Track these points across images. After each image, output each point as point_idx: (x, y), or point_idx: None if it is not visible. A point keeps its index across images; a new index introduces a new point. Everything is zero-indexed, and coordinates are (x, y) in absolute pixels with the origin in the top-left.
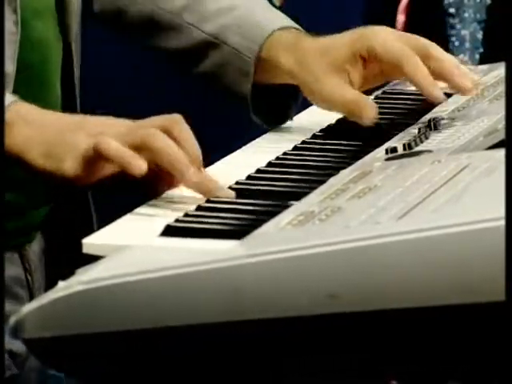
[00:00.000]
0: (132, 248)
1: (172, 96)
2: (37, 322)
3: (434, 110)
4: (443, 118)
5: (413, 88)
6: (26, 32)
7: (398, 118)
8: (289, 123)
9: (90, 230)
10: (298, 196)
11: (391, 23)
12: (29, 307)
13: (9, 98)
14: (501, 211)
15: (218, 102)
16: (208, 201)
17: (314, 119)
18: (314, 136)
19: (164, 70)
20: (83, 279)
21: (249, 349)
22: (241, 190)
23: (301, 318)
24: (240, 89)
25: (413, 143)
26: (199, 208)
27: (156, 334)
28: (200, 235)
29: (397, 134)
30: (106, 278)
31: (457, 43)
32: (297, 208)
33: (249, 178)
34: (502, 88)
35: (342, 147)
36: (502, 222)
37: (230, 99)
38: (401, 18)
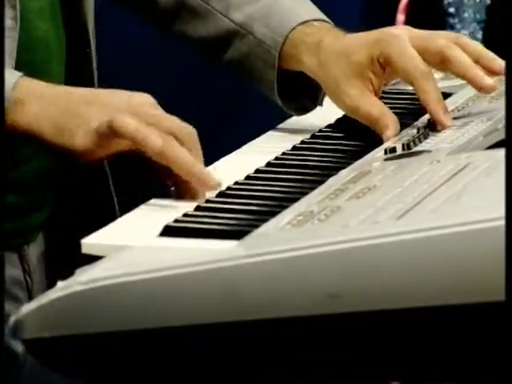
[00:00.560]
0: (131, 248)
1: (171, 96)
2: (36, 322)
3: None
4: None
5: (413, 88)
6: (29, 31)
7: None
8: (289, 123)
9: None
10: (297, 196)
11: (391, 23)
12: (28, 307)
13: (14, 73)
14: (501, 211)
15: (218, 102)
16: (207, 201)
17: (313, 119)
18: (314, 136)
19: (167, 68)
20: (82, 279)
21: (248, 349)
22: (240, 190)
23: (301, 318)
24: (265, 78)
25: (412, 143)
26: (198, 208)
27: (155, 335)
28: (199, 235)
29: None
30: (105, 278)
31: None
32: (296, 208)
33: (248, 178)
34: (501, 88)
35: (342, 147)
36: (502, 222)
37: (255, 88)
38: (401, 17)
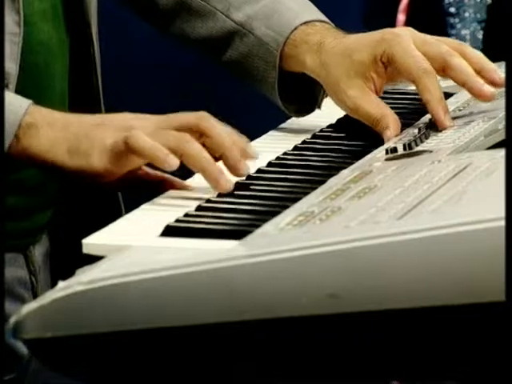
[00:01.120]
0: (132, 248)
1: (172, 97)
2: (37, 322)
3: None
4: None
5: (413, 88)
6: (32, 34)
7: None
8: (290, 123)
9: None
10: (298, 196)
11: (391, 23)
12: (29, 307)
13: (23, 99)
14: (501, 211)
15: (219, 103)
16: (208, 201)
17: (313, 119)
18: (314, 136)
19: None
20: (83, 279)
21: (248, 349)
22: (241, 190)
23: (301, 318)
24: (266, 79)
25: (413, 143)
26: (199, 208)
27: (155, 334)
28: (200, 235)
29: (397, 133)
30: (106, 278)
31: None
32: (297, 208)
33: (249, 177)
34: (502, 88)
35: (342, 147)
36: (502, 222)
37: (255, 89)
38: (401, 17)
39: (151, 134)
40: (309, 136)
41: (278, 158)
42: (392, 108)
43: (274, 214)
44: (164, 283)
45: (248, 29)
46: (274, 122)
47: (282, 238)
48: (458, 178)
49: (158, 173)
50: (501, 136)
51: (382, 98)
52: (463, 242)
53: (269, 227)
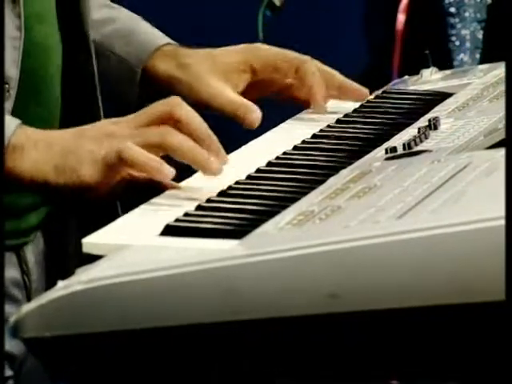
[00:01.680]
0: (132, 248)
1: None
2: (36, 322)
3: (434, 109)
4: (443, 118)
5: (413, 88)
6: (30, 36)
7: (398, 118)
8: (290, 123)
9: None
10: (298, 196)
11: (391, 23)
12: (28, 307)
13: (12, 120)
14: (500, 211)
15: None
16: (208, 200)
17: (313, 119)
18: (314, 136)
19: None
20: (83, 279)
21: (248, 349)
22: (241, 190)
23: (300, 318)
24: (126, 97)
25: (412, 143)
26: (199, 207)
27: (155, 334)
28: (200, 235)
29: (397, 133)
30: (106, 277)
31: (457, 43)
32: (297, 208)
33: (249, 177)
34: (501, 88)
35: (342, 147)
36: (502, 222)
37: (116, 107)
38: (401, 17)
39: (131, 136)
40: (308, 136)
41: (277, 158)
42: (392, 108)
43: (273, 214)
44: (164, 283)
45: (107, 48)
46: (274, 122)
47: (282, 238)
48: (458, 178)
49: (146, 176)
50: (500, 135)
51: (382, 98)
52: (463, 242)
53: (269, 227)
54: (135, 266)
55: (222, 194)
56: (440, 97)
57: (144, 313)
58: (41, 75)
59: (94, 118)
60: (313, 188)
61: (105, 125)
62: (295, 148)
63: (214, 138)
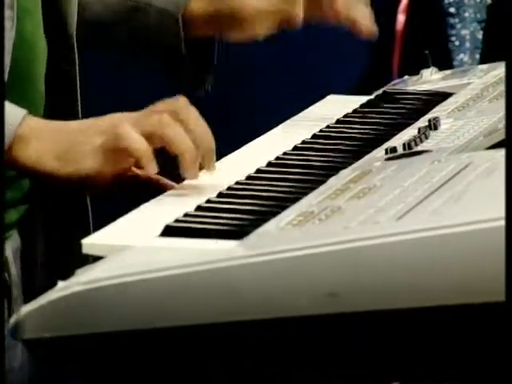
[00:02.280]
0: (131, 248)
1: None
2: (36, 323)
3: (434, 109)
4: (443, 118)
5: (413, 88)
6: (18, 30)
7: (398, 118)
8: (290, 123)
9: (84, 231)
10: (298, 196)
11: (391, 23)
12: (28, 307)
13: (18, 110)
14: (501, 211)
15: (219, 103)
16: (208, 201)
17: (313, 119)
18: (314, 136)
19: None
20: (82, 280)
21: (248, 349)
22: (241, 190)
23: (301, 318)
24: (173, 51)
25: (412, 143)
26: (199, 208)
27: (155, 334)
28: (200, 235)
29: (397, 133)
30: (106, 278)
31: (457, 43)
32: (297, 208)
33: (249, 178)
34: (501, 87)
35: (342, 147)
36: (502, 222)
37: (161, 63)
38: (401, 17)
39: (134, 124)
40: (308, 136)
41: (277, 158)
42: (392, 108)
43: (273, 214)
44: (163, 283)
45: (145, 1)
46: (274, 122)
47: (282, 238)
48: (458, 178)
49: (149, 174)
50: (500, 136)
51: (382, 98)
52: (463, 242)
53: (269, 227)
54: (135, 267)
55: (221, 194)
56: (440, 97)
57: (144, 313)
58: (28, 70)
59: (73, 118)
60: (313, 188)
61: (113, 119)
62: (295, 148)
63: (213, 146)
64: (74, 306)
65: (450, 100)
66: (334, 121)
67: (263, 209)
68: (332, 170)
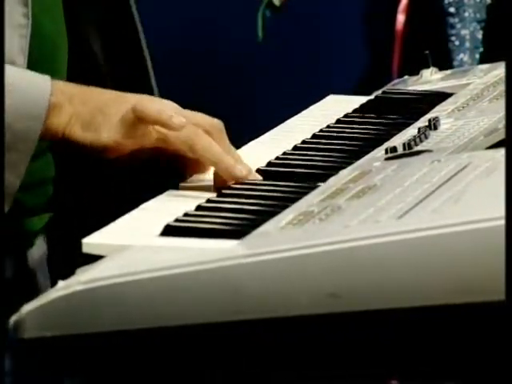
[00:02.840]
0: (132, 248)
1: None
2: (36, 322)
3: (434, 109)
4: (443, 118)
5: (413, 88)
6: (36, 27)
7: (398, 118)
8: (290, 123)
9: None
10: (298, 196)
11: (391, 23)
12: (28, 307)
13: (43, 80)
14: (501, 211)
15: (219, 103)
16: (208, 200)
17: (313, 119)
18: (314, 136)
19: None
20: (83, 279)
21: (248, 349)
22: (241, 190)
23: (301, 318)
24: None
25: (412, 143)
26: (199, 208)
27: (155, 334)
28: (200, 235)
29: (397, 133)
30: (106, 277)
31: (457, 43)
32: (297, 208)
33: None
34: (501, 87)
35: (342, 147)
36: (502, 222)
37: None
38: (401, 17)
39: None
40: (309, 136)
41: (277, 158)
42: (392, 108)
43: (273, 214)
44: (164, 283)
45: None
46: (274, 122)
47: (282, 238)
48: (458, 178)
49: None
50: (500, 135)
51: (382, 98)
52: (463, 242)
53: (269, 227)
54: (135, 267)
55: (222, 194)
56: (440, 97)
57: (144, 313)
58: (50, 66)
59: None
60: (313, 188)
61: (145, 97)
62: (295, 148)
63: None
64: (74, 305)
65: (450, 100)
66: (334, 121)
67: (263, 208)
68: (332, 169)
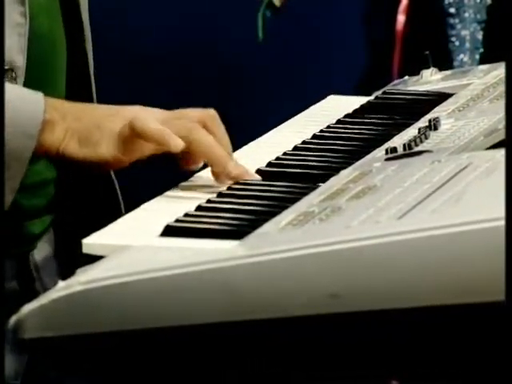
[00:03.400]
0: (132, 248)
1: (172, 98)
2: (37, 322)
3: (434, 109)
4: (443, 118)
5: (413, 88)
6: (35, 27)
7: (398, 118)
8: (290, 124)
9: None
10: (298, 196)
11: (391, 23)
12: (29, 307)
13: (36, 97)
14: (501, 211)
15: (219, 104)
16: (208, 201)
17: (313, 119)
18: (314, 136)
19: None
20: (83, 279)
21: (248, 349)
22: (241, 190)
23: (301, 318)
24: None
25: (413, 143)
26: (199, 208)
27: (155, 334)
28: (200, 235)
29: (397, 134)
30: (106, 278)
31: (457, 43)
32: (297, 208)
33: None
34: (502, 88)
35: (342, 147)
36: (502, 222)
37: None
38: (401, 17)
39: (163, 121)
40: (309, 136)
41: (277, 159)
42: (392, 108)
43: (273, 214)
44: (164, 283)
45: None
46: (274, 123)
47: (282, 238)
48: (458, 178)
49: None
50: (501, 136)
51: (382, 98)
52: (463, 242)
53: (269, 227)
54: (135, 267)
55: (221, 194)
56: (440, 97)
57: (144, 313)
58: (49, 66)
59: None
60: (313, 188)
61: (138, 109)
62: (295, 148)
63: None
64: (74, 305)
65: (450, 100)
66: (334, 121)
67: (263, 209)
68: (332, 170)
